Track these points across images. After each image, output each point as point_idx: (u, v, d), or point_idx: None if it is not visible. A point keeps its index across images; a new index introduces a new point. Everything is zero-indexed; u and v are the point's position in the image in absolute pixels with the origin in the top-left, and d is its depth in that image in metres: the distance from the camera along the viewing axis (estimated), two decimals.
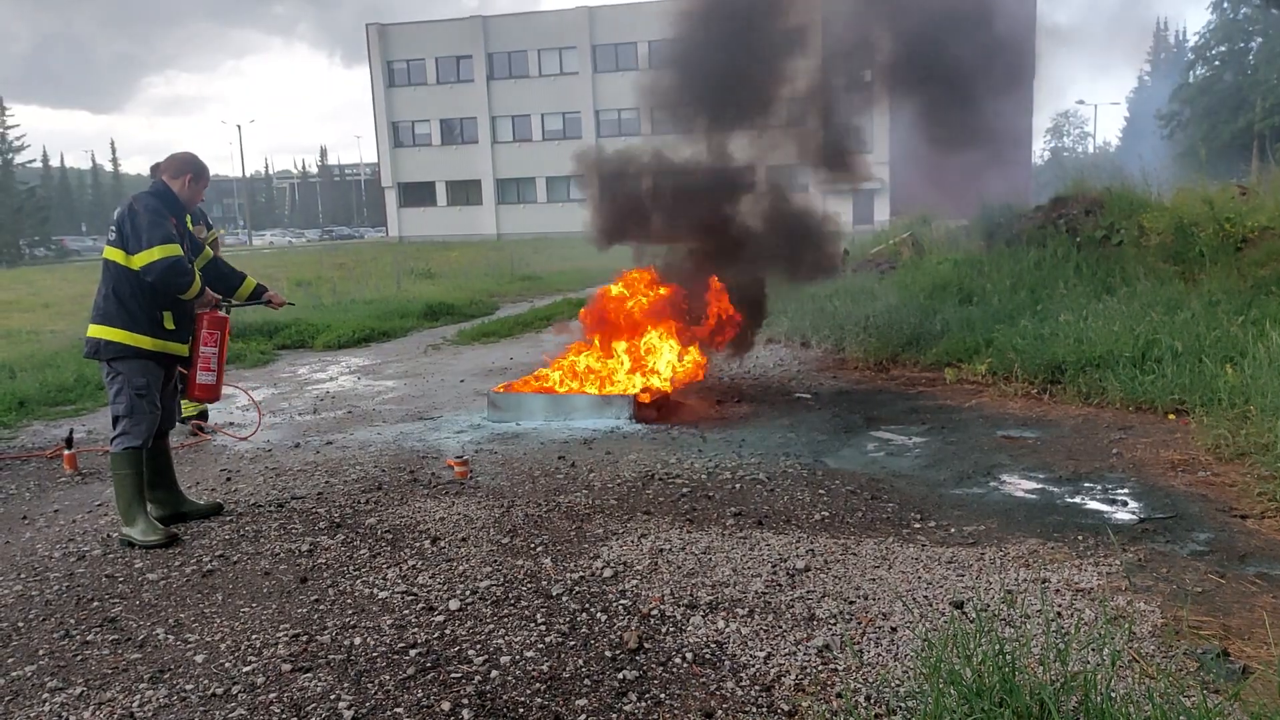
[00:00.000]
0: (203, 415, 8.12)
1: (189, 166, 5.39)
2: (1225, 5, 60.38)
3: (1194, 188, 13.56)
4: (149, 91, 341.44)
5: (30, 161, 75.27)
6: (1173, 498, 5.32)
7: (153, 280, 5.09)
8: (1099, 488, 5.60)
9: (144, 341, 5.18)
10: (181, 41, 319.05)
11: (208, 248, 5.84)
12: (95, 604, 4.36)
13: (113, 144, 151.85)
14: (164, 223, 5.12)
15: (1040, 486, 5.70)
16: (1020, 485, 5.75)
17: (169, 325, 5.27)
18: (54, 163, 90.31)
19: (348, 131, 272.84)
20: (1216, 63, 61.88)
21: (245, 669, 3.64)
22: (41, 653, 3.87)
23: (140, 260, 5.07)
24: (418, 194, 59.22)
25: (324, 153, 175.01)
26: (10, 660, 3.81)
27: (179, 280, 5.15)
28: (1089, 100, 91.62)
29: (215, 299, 5.57)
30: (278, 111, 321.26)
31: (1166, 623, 3.71)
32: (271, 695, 3.43)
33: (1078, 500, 5.41)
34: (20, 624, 4.16)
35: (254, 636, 3.93)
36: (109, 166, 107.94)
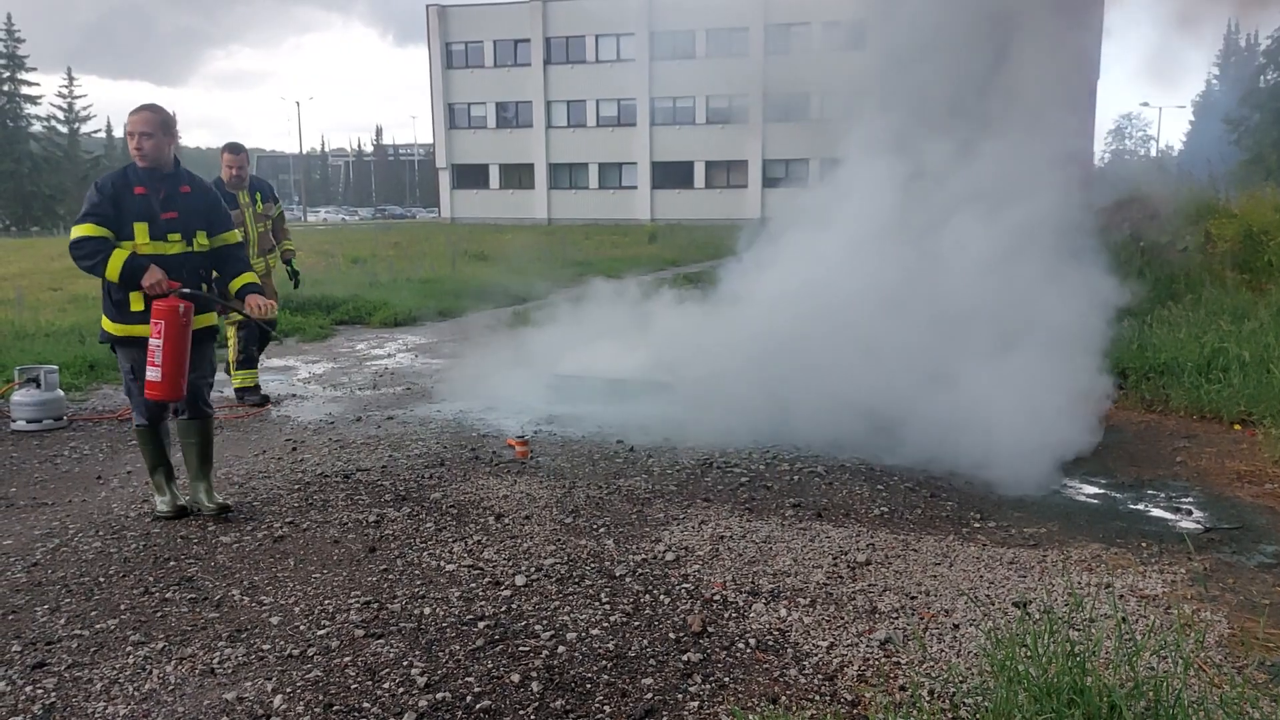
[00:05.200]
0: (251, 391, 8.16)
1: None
2: None
3: (1263, 195, 13.28)
4: (211, 65, 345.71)
5: (95, 132, 76.71)
6: (1238, 508, 5.26)
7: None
8: (1162, 495, 5.55)
9: (111, 327, 5.00)
10: (245, 16, 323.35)
11: (245, 228, 5.38)
12: (172, 563, 4.50)
13: (174, 116, 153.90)
14: (90, 199, 4.79)
15: (1102, 491, 5.66)
16: (1081, 489, 5.71)
17: (136, 307, 4.88)
18: (117, 134, 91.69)
19: (403, 111, 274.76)
20: None
21: (320, 632, 3.75)
22: (123, 608, 4.02)
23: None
24: (471, 176, 59.48)
25: (379, 132, 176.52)
26: (94, 613, 3.96)
27: (82, 263, 4.76)
28: (1153, 103, 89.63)
29: (170, 286, 4.80)
30: (335, 89, 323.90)
31: (1235, 633, 3.69)
32: (346, 659, 3.53)
33: (1140, 507, 5.36)
34: (101, 579, 4.31)
35: (326, 602, 4.04)
36: None
